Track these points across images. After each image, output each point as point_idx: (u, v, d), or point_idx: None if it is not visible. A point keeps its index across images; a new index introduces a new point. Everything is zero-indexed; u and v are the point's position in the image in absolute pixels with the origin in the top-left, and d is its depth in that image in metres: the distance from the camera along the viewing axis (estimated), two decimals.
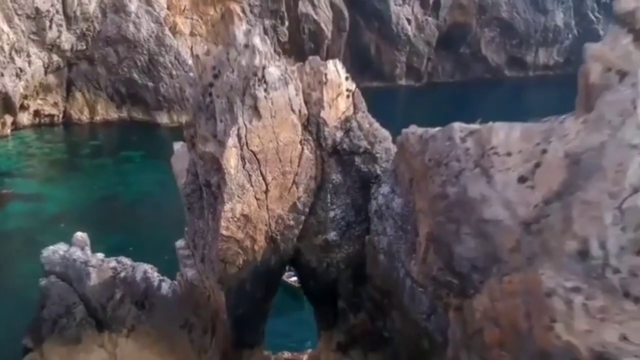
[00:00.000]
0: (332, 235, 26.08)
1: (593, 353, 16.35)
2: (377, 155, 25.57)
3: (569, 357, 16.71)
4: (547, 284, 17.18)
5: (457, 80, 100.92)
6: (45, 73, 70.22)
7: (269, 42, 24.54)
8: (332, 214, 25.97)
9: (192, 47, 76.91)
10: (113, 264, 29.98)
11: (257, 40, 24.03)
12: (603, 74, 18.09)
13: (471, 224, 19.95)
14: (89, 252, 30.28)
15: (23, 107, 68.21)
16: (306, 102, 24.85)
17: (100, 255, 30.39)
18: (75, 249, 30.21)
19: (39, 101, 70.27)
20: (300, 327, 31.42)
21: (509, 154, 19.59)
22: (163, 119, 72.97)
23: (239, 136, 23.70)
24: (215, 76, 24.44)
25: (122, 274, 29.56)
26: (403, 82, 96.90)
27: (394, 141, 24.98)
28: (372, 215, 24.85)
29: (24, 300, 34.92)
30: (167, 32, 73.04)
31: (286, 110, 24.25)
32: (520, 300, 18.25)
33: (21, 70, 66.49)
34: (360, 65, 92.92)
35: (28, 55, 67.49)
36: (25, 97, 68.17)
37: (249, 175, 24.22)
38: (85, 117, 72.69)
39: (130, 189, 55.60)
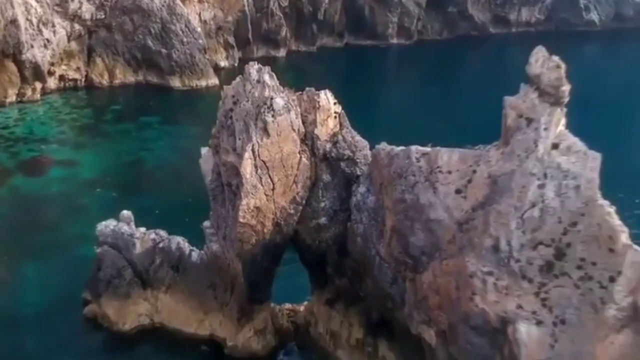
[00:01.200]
0: (322, 220, 31.33)
1: (498, 317, 22.15)
2: (357, 160, 30.82)
3: (483, 319, 22.58)
4: (470, 268, 22.91)
5: (445, 38, 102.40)
6: (68, 41, 72.89)
7: (275, 77, 29.96)
8: (322, 204, 31.18)
9: (200, 14, 79.29)
10: (153, 236, 34.78)
11: (266, 77, 29.48)
12: (516, 119, 23.50)
13: (421, 221, 25.60)
14: (133, 226, 35.16)
15: (50, 73, 70.96)
16: (304, 122, 30.14)
17: (142, 229, 35.20)
18: (123, 224, 35.11)
19: (63, 67, 72.90)
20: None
21: (449, 172, 25.01)
22: (176, 82, 75.23)
23: (253, 150, 29.05)
24: (235, 103, 29.79)
25: (161, 244, 34.41)
26: (395, 40, 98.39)
27: (372, 147, 30.08)
28: (352, 207, 29.99)
29: (75, 258, 39.79)
30: (177, 1, 75.09)
31: (288, 130, 29.56)
32: (452, 278, 23.96)
33: (48, 40, 69.46)
34: (355, 26, 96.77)
35: (53, 26, 70.24)
36: (52, 64, 71.09)
37: (260, 178, 29.50)
38: (105, 80, 75.16)
39: (152, 155, 58.58)
